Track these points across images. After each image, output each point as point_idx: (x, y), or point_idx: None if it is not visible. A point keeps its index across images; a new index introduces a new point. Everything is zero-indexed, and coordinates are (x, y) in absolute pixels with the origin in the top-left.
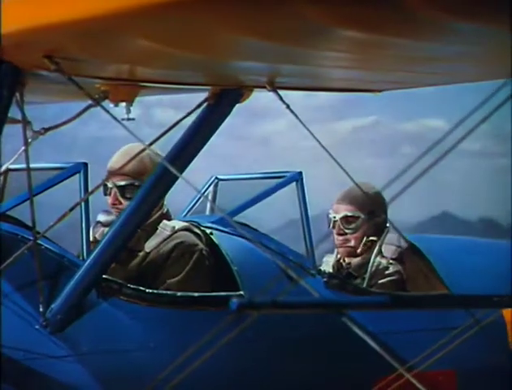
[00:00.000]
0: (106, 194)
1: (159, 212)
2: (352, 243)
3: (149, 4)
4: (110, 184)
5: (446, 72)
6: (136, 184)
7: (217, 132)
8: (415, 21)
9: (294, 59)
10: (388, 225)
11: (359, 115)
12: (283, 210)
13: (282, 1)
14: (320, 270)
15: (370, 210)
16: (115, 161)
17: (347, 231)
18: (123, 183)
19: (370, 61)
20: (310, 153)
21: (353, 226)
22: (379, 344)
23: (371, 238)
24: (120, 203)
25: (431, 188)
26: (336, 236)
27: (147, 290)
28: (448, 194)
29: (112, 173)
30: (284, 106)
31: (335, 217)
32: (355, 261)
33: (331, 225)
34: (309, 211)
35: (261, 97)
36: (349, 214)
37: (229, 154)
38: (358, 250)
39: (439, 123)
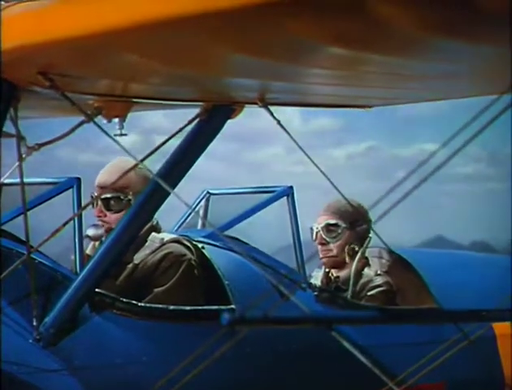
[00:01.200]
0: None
1: (148, 224)
2: (334, 252)
3: (142, 21)
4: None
5: (437, 89)
6: (122, 197)
7: (213, 157)
8: (404, 40)
9: (284, 76)
10: (370, 235)
11: (356, 141)
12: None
13: (271, 18)
14: (311, 283)
15: (352, 220)
16: (103, 174)
17: (328, 239)
18: (108, 195)
19: (360, 78)
20: (303, 178)
21: (334, 235)
22: (369, 358)
23: (353, 246)
24: (105, 215)
25: (425, 212)
26: (319, 247)
27: (139, 304)
28: (442, 218)
29: (99, 186)
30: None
31: (317, 227)
32: (343, 274)
33: (314, 236)
34: (300, 227)
35: (257, 123)
36: (330, 222)
37: (223, 179)
38: (343, 259)
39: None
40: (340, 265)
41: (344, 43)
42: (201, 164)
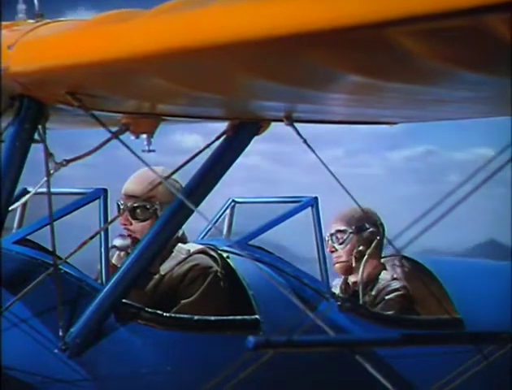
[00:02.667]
0: (117, 216)
1: (175, 235)
2: (343, 257)
3: (170, 48)
4: (122, 206)
5: (455, 110)
6: (148, 206)
7: (267, 157)
8: (425, 70)
9: (309, 99)
10: (378, 238)
11: (411, 145)
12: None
13: (295, 49)
14: (334, 293)
15: (358, 224)
16: (130, 183)
17: (336, 246)
18: (134, 204)
19: (381, 101)
20: (362, 180)
21: (341, 240)
22: (387, 369)
23: (360, 249)
24: (131, 224)
25: (478, 215)
26: (332, 256)
27: (164, 314)
28: (494, 222)
29: (126, 195)
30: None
31: (328, 237)
32: (359, 278)
33: (326, 245)
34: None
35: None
36: (338, 228)
37: (278, 179)
38: (351, 264)
39: (489, 151)
40: (350, 270)
41: (367, 72)
42: (260, 165)
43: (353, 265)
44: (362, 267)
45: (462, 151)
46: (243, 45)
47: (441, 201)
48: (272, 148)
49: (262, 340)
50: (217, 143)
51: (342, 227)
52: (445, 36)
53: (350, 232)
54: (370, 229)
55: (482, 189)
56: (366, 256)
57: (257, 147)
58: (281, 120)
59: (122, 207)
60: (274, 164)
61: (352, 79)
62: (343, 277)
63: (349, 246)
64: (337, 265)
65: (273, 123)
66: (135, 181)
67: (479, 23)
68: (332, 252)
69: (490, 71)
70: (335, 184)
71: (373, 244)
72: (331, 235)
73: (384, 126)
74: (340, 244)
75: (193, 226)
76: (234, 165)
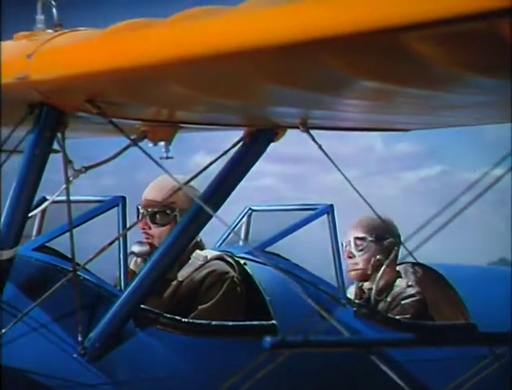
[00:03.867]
0: (137, 222)
1: (192, 242)
2: (360, 265)
3: (188, 56)
4: (142, 210)
5: (468, 116)
6: (167, 211)
7: (283, 179)
8: (439, 76)
9: (324, 105)
10: (396, 248)
11: (427, 166)
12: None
13: (311, 55)
14: (350, 299)
15: (378, 233)
16: (149, 191)
17: (355, 253)
18: (155, 209)
19: (396, 107)
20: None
21: (360, 247)
22: (404, 374)
23: (379, 258)
24: (150, 228)
25: (489, 234)
26: (347, 261)
27: (183, 319)
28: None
29: (146, 202)
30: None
31: (346, 242)
32: (375, 285)
33: (343, 251)
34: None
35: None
36: (358, 235)
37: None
38: (368, 272)
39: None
40: (366, 278)
41: (382, 78)
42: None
43: (369, 273)
44: (379, 276)
45: (478, 172)
46: (260, 52)
47: (449, 222)
48: (288, 169)
49: (279, 340)
50: (234, 150)
51: (361, 235)
52: (459, 41)
53: (370, 240)
54: (390, 240)
55: (494, 209)
56: (384, 266)
57: (273, 168)
58: (297, 127)
59: (142, 212)
60: (289, 184)
61: (367, 84)
62: (355, 284)
63: (367, 254)
64: (353, 272)
65: (291, 147)
66: (155, 188)
67: (492, 27)
68: (350, 258)
69: (503, 76)
70: (349, 205)
71: (391, 255)
72: (351, 241)
73: (400, 148)
74: (360, 251)
75: (208, 238)
76: (250, 187)
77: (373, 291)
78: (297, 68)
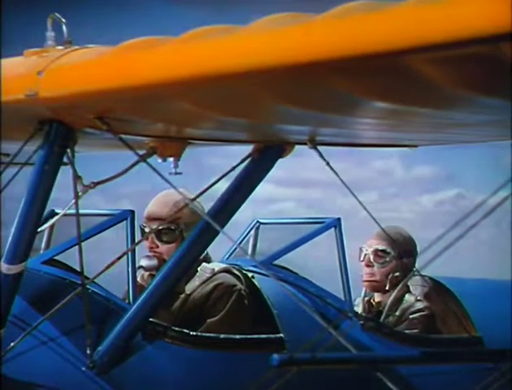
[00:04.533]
0: (144, 238)
1: (201, 256)
2: (377, 277)
3: (197, 74)
4: (147, 229)
5: (473, 133)
6: (172, 227)
7: (307, 204)
8: (446, 96)
9: (332, 123)
10: (414, 268)
11: (443, 189)
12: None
13: (319, 75)
14: (357, 313)
15: (401, 250)
16: (153, 206)
17: (375, 264)
18: (159, 227)
19: (403, 125)
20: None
21: (381, 260)
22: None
23: (397, 275)
24: (157, 247)
25: (498, 256)
26: (364, 269)
27: (191, 332)
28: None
29: (149, 218)
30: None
31: (367, 250)
32: (384, 299)
33: (362, 258)
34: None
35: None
36: (380, 248)
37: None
38: (386, 287)
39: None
40: (380, 289)
41: (388, 98)
42: (293, 210)
43: (387, 288)
44: (394, 295)
45: (494, 195)
46: (268, 72)
47: (455, 242)
48: (308, 194)
49: (286, 357)
50: (242, 166)
51: (384, 247)
52: (462, 63)
53: (392, 256)
54: (411, 258)
55: (504, 231)
56: (400, 285)
57: (293, 193)
58: (305, 143)
59: (147, 231)
60: (310, 209)
61: (374, 104)
62: (363, 294)
63: (386, 268)
64: (367, 282)
65: (312, 172)
66: (158, 204)
67: (494, 50)
68: (368, 266)
69: (506, 96)
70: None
71: (410, 275)
72: (372, 251)
73: (417, 172)
74: (380, 263)
75: (216, 254)
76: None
77: (387, 306)
78: (304, 89)
